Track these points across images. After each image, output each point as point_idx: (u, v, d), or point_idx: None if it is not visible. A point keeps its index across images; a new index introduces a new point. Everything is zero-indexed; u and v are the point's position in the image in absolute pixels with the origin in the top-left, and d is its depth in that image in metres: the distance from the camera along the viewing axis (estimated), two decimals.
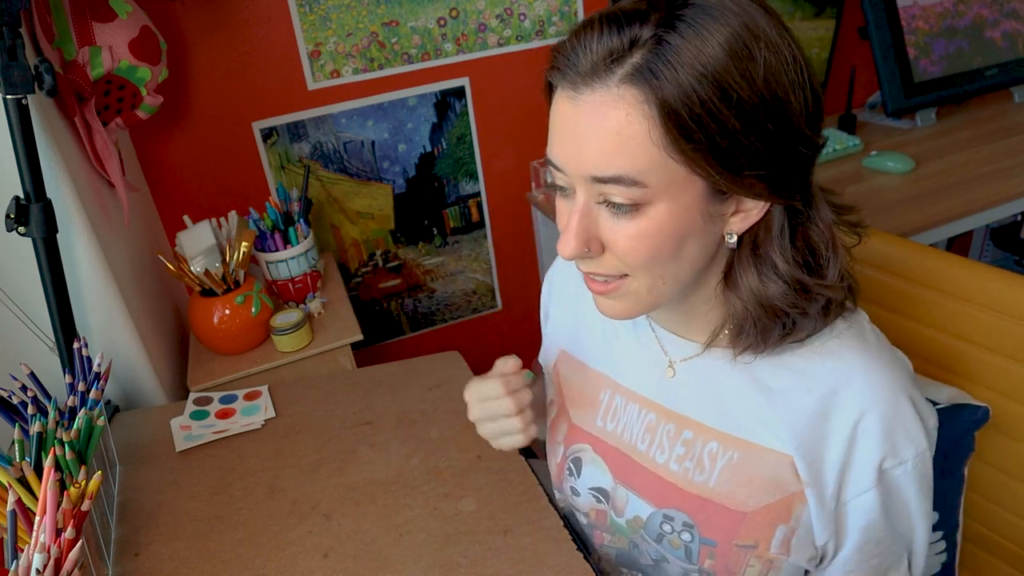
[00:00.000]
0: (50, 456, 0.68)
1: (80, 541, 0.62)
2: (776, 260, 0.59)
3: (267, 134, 1.51)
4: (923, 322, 0.94)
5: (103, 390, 0.86)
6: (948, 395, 0.90)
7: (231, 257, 1.26)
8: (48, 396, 0.86)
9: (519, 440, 0.71)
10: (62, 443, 0.74)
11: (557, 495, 0.83)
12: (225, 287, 1.25)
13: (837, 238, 0.61)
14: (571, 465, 0.78)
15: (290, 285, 1.40)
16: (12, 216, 0.92)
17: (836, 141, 1.73)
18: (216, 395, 1.11)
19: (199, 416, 1.05)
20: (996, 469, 0.94)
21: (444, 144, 1.67)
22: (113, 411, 1.08)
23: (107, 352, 1.05)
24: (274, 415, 1.03)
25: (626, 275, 0.59)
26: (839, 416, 0.62)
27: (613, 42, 0.51)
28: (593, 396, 0.77)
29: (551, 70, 0.56)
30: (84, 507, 0.66)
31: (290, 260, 1.38)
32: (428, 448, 0.93)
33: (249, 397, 1.09)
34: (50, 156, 0.97)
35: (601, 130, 0.52)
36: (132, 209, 1.27)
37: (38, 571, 0.58)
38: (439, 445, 0.93)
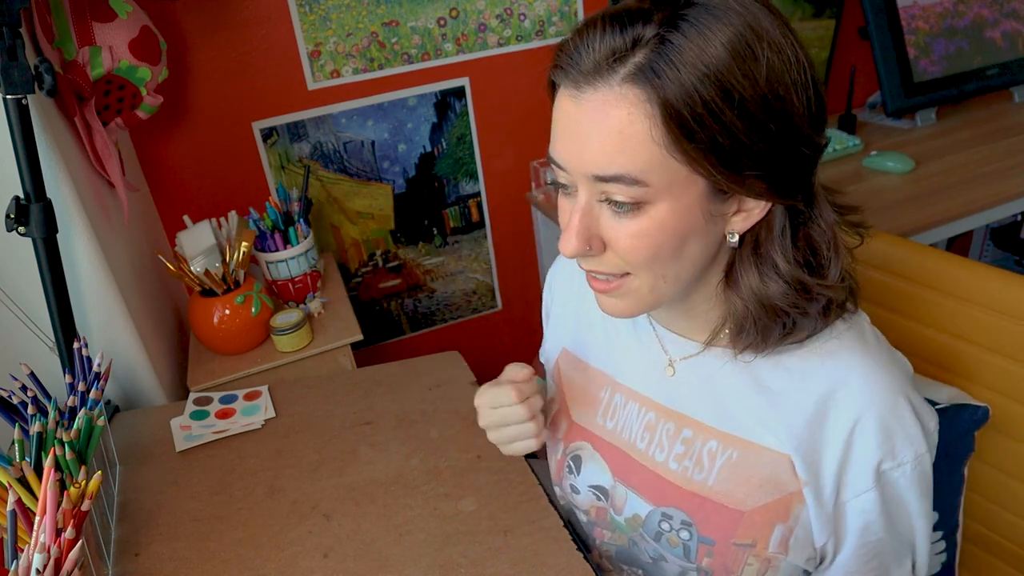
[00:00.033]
0: (50, 456, 0.68)
1: (80, 541, 0.62)
2: (777, 260, 0.59)
3: (267, 134, 1.51)
4: (923, 322, 0.94)
5: (103, 390, 0.86)
6: (948, 395, 0.90)
7: (231, 257, 1.26)
8: (48, 396, 0.86)
9: (531, 446, 0.72)
10: (62, 443, 0.74)
11: (557, 492, 0.84)
12: (225, 287, 1.25)
13: (839, 238, 0.61)
14: (571, 463, 0.78)
15: (290, 285, 1.40)
16: (12, 216, 0.92)
17: (836, 141, 1.73)
18: (216, 395, 1.11)
19: (199, 416, 1.05)
20: (996, 469, 0.94)
21: (444, 144, 1.67)
22: (113, 411, 1.08)
23: (107, 352, 1.05)
24: (274, 415, 1.03)
25: (628, 274, 0.59)
26: (837, 417, 0.62)
27: (616, 41, 0.51)
28: (593, 394, 0.77)
29: (554, 68, 0.56)
30: (84, 507, 0.66)
31: (290, 260, 1.38)
32: (428, 448, 0.93)
33: (249, 397, 1.09)
34: (50, 156, 0.97)
35: (603, 129, 0.53)
36: (132, 209, 1.27)
37: (38, 571, 0.58)
38: (439, 445, 0.93)
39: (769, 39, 0.51)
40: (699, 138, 0.51)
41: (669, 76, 0.50)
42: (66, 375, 0.87)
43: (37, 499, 0.68)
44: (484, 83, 1.63)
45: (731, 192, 0.55)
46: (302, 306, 1.39)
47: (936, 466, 0.65)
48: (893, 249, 0.96)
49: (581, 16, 1.62)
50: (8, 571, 0.59)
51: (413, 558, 0.76)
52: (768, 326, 0.61)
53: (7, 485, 0.69)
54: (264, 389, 1.10)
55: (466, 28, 1.56)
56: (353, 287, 1.75)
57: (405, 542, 0.79)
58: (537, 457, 0.97)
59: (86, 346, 0.91)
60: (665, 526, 0.69)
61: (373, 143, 1.60)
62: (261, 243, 1.37)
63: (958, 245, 2.33)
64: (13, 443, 0.74)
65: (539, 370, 0.85)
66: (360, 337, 1.31)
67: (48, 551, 0.59)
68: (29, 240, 0.94)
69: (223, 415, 1.05)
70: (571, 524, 0.83)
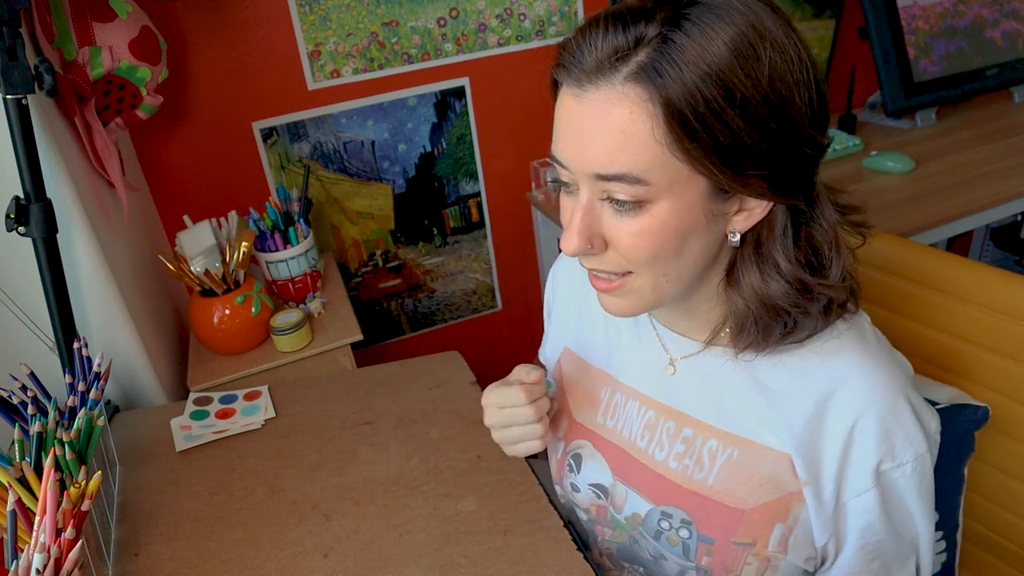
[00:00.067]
0: (50, 456, 0.68)
1: (80, 541, 0.62)
2: (778, 259, 0.59)
3: (267, 134, 1.51)
4: (923, 322, 0.94)
5: (103, 390, 0.86)
6: (948, 395, 0.90)
7: (231, 257, 1.26)
8: (48, 396, 0.86)
9: (534, 447, 0.72)
10: (62, 443, 0.74)
11: (558, 491, 0.84)
12: (225, 287, 1.25)
13: (840, 238, 0.61)
14: (571, 461, 0.78)
15: (290, 285, 1.40)
16: (12, 216, 0.92)
17: (836, 141, 1.73)
18: (216, 395, 1.11)
19: (199, 416, 1.05)
20: (996, 469, 0.94)
21: (444, 144, 1.67)
22: (113, 411, 1.08)
23: (107, 352, 1.05)
24: (274, 415, 1.03)
25: (629, 272, 0.60)
26: (837, 416, 0.62)
27: (618, 40, 0.51)
28: (594, 393, 0.77)
29: (556, 67, 0.56)
30: (84, 507, 0.66)
31: (290, 260, 1.38)
32: (428, 448, 0.93)
33: (249, 397, 1.09)
34: (50, 156, 0.97)
35: (605, 128, 0.53)
36: (132, 209, 1.27)
37: (38, 571, 0.58)
38: (439, 445, 0.93)
39: (772, 38, 0.51)
40: (701, 137, 0.51)
41: (671, 75, 0.50)
42: (66, 375, 0.87)
43: (37, 499, 0.68)
44: (484, 83, 1.63)
45: (733, 191, 0.55)
46: (302, 306, 1.39)
47: (936, 466, 0.65)
48: (893, 249, 0.96)
49: (581, 16, 1.62)
50: (8, 571, 0.59)
51: (413, 558, 0.76)
52: (769, 325, 0.61)
53: (7, 485, 0.69)
54: (264, 389, 1.10)
55: (466, 28, 1.56)
56: (353, 287, 1.75)
57: (405, 542, 0.79)
58: (537, 457, 0.97)
59: (86, 346, 0.91)
60: (664, 525, 0.69)
61: (373, 143, 1.60)
62: (261, 243, 1.37)
63: (958, 245, 2.33)
64: (13, 443, 0.74)
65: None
66: (360, 337, 1.31)
67: (48, 551, 0.59)
68: (29, 240, 0.94)
69: (223, 415, 1.05)
70: (571, 523, 0.83)
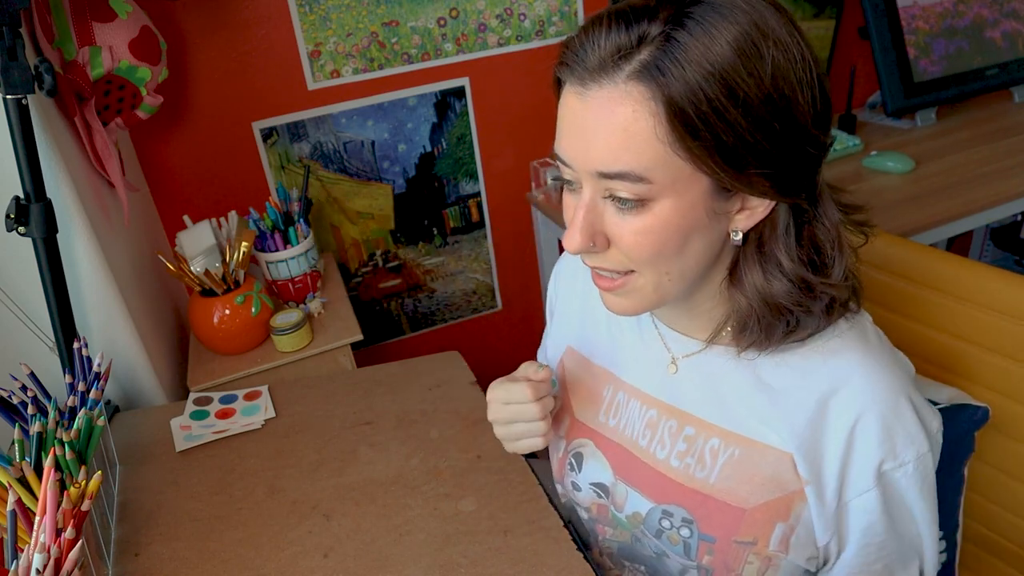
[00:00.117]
0: (50, 456, 0.68)
1: (80, 541, 0.62)
2: (781, 258, 0.59)
3: (267, 134, 1.51)
4: (923, 322, 0.94)
5: (103, 390, 0.86)
6: (948, 395, 0.90)
7: (231, 257, 1.26)
8: (48, 396, 0.86)
9: (536, 444, 0.72)
10: (62, 443, 0.74)
11: (559, 490, 0.84)
12: (225, 287, 1.25)
13: (843, 237, 0.61)
14: (572, 460, 0.78)
15: (290, 285, 1.40)
16: (12, 216, 0.92)
17: (836, 141, 1.73)
18: (216, 395, 1.11)
19: (199, 416, 1.05)
20: (996, 469, 0.94)
21: (444, 144, 1.67)
22: (113, 411, 1.08)
23: (107, 352, 1.05)
24: (274, 415, 1.03)
25: (632, 271, 0.60)
26: (838, 415, 0.62)
27: (621, 38, 0.51)
28: (596, 392, 0.77)
29: (559, 65, 0.56)
30: (84, 507, 0.66)
31: (290, 260, 1.38)
32: (428, 448, 0.93)
33: (249, 397, 1.09)
34: (50, 156, 0.97)
35: (608, 126, 0.53)
36: (132, 209, 1.27)
37: (38, 571, 0.58)
38: (439, 445, 0.93)
39: (775, 37, 0.51)
40: (703, 136, 0.51)
41: (674, 74, 0.50)
42: (66, 375, 0.87)
43: (37, 499, 0.68)
44: (484, 83, 1.63)
45: (735, 190, 0.55)
46: (302, 306, 1.39)
47: (936, 466, 0.65)
48: (893, 249, 0.96)
49: (581, 16, 1.62)
50: (8, 571, 0.59)
51: (413, 558, 0.76)
52: (772, 324, 0.61)
53: (7, 485, 0.69)
54: (264, 389, 1.10)
55: (466, 28, 1.56)
56: (353, 287, 1.75)
57: (405, 542, 0.79)
58: (537, 457, 0.97)
59: (86, 346, 0.91)
60: (666, 523, 0.69)
61: (373, 143, 1.60)
62: (261, 243, 1.37)
63: (958, 245, 2.33)
64: (13, 443, 0.74)
65: None
66: (360, 337, 1.31)
67: (48, 551, 0.59)
68: (29, 240, 0.94)
69: (223, 415, 1.05)
70: (571, 523, 0.83)
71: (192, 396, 1.11)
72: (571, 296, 0.84)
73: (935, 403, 0.88)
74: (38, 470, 0.72)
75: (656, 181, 0.53)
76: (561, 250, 1.76)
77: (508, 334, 1.98)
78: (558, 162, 0.59)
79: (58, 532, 0.62)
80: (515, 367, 0.73)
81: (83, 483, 0.69)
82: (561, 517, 0.80)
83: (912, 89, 1.75)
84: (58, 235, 0.96)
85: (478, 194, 1.76)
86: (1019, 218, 2.17)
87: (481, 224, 1.81)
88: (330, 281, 1.51)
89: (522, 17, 1.60)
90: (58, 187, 0.98)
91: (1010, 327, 0.85)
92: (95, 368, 0.88)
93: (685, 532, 0.68)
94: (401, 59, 1.54)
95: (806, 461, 0.63)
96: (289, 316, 1.28)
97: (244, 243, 1.27)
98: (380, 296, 1.79)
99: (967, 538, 0.98)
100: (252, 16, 1.40)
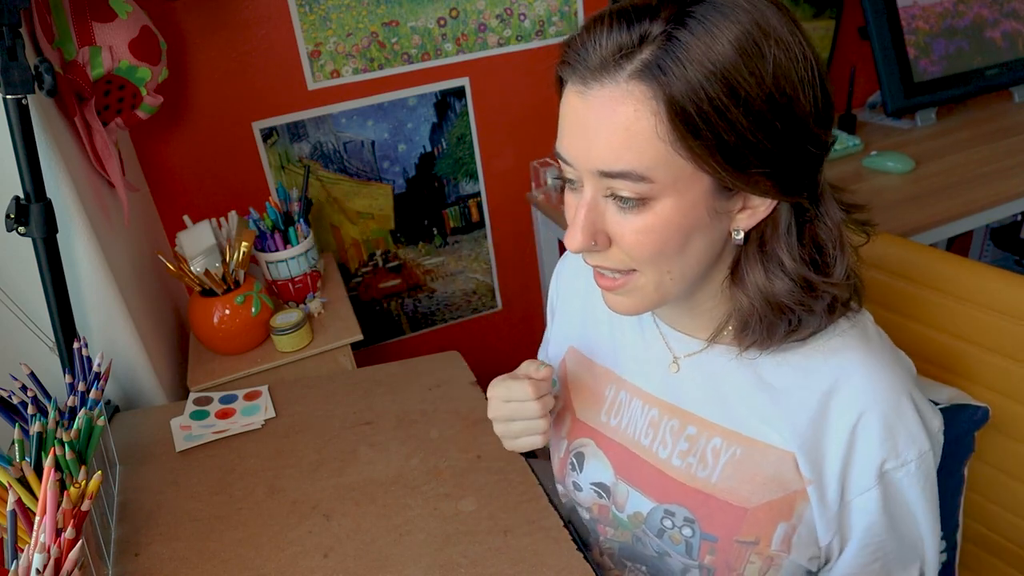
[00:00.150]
0: (50, 456, 0.68)
1: (80, 541, 0.62)
2: (783, 257, 0.59)
3: (267, 134, 1.51)
4: (923, 322, 0.94)
5: (103, 390, 0.86)
6: (948, 395, 0.90)
7: (231, 257, 1.26)
8: (48, 396, 0.86)
9: (536, 442, 0.72)
10: (62, 443, 0.74)
11: (560, 490, 0.84)
12: (225, 287, 1.25)
13: (845, 236, 0.61)
14: (573, 460, 0.78)
15: (290, 285, 1.40)
16: (12, 216, 0.92)
17: (836, 141, 1.73)
18: (216, 395, 1.11)
19: (199, 416, 1.05)
20: (996, 469, 0.94)
21: (444, 144, 1.67)
22: (113, 411, 1.08)
23: (107, 352, 1.05)
24: (274, 415, 1.03)
25: (633, 270, 0.60)
26: (840, 414, 0.62)
27: (623, 38, 0.51)
28: (598, 391, 0.77)
29: (561, 64, 0.56)
30: (84, 507, 0.66)
31: (290, 260, 1.38)
32: (428, 448, 0.93)
33: (249, 397, 1.09)
34: (50, 156, 0.97)
35: (610, 125, 0.53)
36: (132, 209, 1.27)
37: (38, 571, 0.58)
38: (439, 445, 0.93)
39: (777, 36, 0.51)
40: (704, 135, 0.51)
41: (675, 73, 0.50)
42: (66, 375, 0.87)
43: (37, 499, 0.68)
44: (484, 83, 1.63)
45: (736, 189, 0.55)
46: (302, 306, 1.39)
47: (937, 465, 0.65)
48: (893, 249, 0.96)
49: (581, 16, 1.62)
50: (8, 571, 0.59)
51: (413, 558, 0.76)
52: (773, 323, 0.61)
53: (7, 485, 0.69)
54: (264, 389, 1.10)
55: (466, 28, 1.56)
56: (353, 287, 1.75)
57: (405, 542, 0.79)
58: (537, 456, 0.97)
59: (86, 346, 0.91)
60: (668, 523, 0.69)
61: (373, 143, 1.60)
62: (261, 243, 1.37)
63: (958, 245, 2.33)
64: (13, 443, 0.74)
65: None
66: (360, 337, 1.31)
67: (48, 551, 0.59)
68: (29, 240, 0.94)
69: (223, 415, 1.05)
70: (571, 523, 0.83)
71: (192, 396, 1.11)
72: (573, 296, 0.84)
73: (935, 403, 0.88)
74: (38, 470, 0.72)
75: (657, 180, 0.53)
76: (561, 250, 1.76)
77: (508, 334, 1.98)
78: (560, 161, 0.59)
79: (58, 532, 0.62)
80: (515, 367, 0.73)
81: (83, 483, 0.69)
82: (561, 517, 0.80)
83: (912, 89, 1.75)
84: (58, 235, 0.96)
85: (478, 194, 1.76)
86: (1019, 218, 2.17)
87: (481, 224, 1.81)
88: (330, 281, 1.51)
89: (522, 17, 1.60)
90: (58, 187, 0.98)
91: (1010, 327, 0.85)
92: (95, 368, 0.88)
93: (687, 532, 0.68)
94: (401, 59, 1.54)
95: (808, 460, 0.63)
96: (289, 316, 1.28)
97: (244, 243, 1.27)
98: (380, 296, 1.79)
99: (967, 538, 0.98)
100: (252, 16, 1.40)
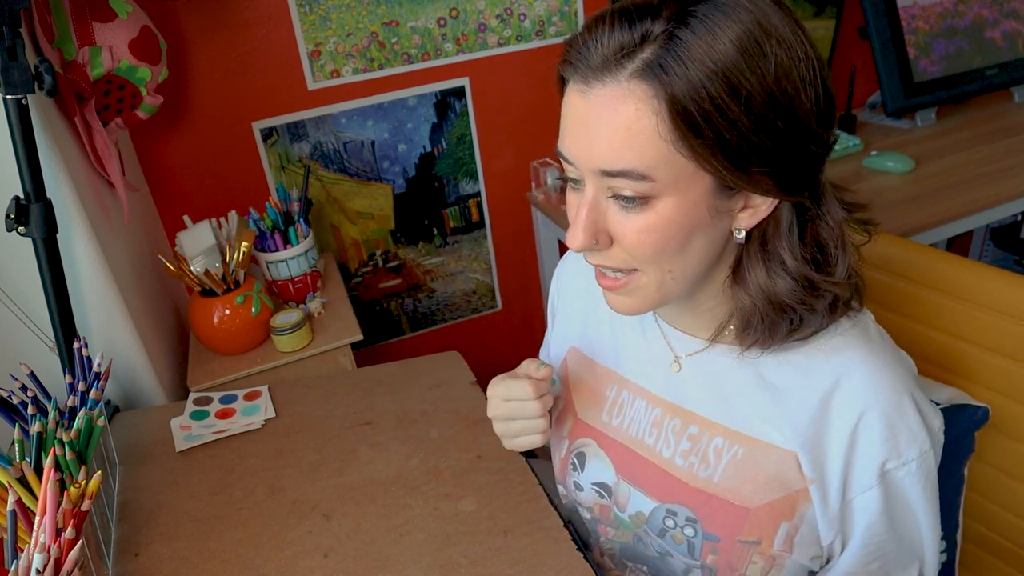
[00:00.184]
0: (50, 456, 0.68)
1: (80, 541, 0.62)
2: (784, 256, 0.59)
3: (267, 134, 1.51)
4: (923, 322, 0.94)
5: (103, 390, 0.86)
6: (948, 395, 0.90)
7: (231, 257, 1.26)
8: (48, 396, 0.86)
9: (535, 442, 0.72)
10: (62, 443, 0.74)
11: (560, 490, 0.84)
12: (225, 287, 1.25)
13: (846, 235, 0.61)
14: (575, 460, 0.78)
15: (290, 285, 1.40)
16: (12, 216, 0.92)
17: (837, 140, 1.73)
18: (216, 395, 1.11)
19: (199, 416, 1.05)
20: (996, 469, 0.94)
21: (444, 144, 1.67)
22: (113, 411, 1.08)
23: (107, 352, 1.05)
24: (274, 415, 1.03)
25: (635, 270, 0.60)
26: (841, 413, 0.62)
27: (624, 37, 0.51)
28: (600, 391, 0.77)
29: (563, 63, 0.56)
30: (84, 507, 0.66)
31: (290, 260, 1.38)
32: (428, 448, 0.93)
33: (249, 397, 1.09)
34: (50, 156, 0.97)
35: (611, 124, 0.53)
36: (132, 209, 1.27)
37: (38, 571, 0.58)
38: (439, 445, 0.93)
39: (778, 35, 0.51)
40: (706, 135, 0.51)
41: (677, 72, 0.50)
42: (66, 375, 0.87)
43: (37, 499, 0.68)
44: (484, 83, 1.63)
45: (738, 188, 0.55)
46: (302, 306, 1.39)
47: (938, 464, 0.65)
48: (893, 249, 0.96)
49: (581, 16, 1.62)
50: (8, 571, 0.59)
51: (413, 558, 0.76)
52: (775, 322, 0.61)
53: (7, 485, 0.69)
54: (264, 389, 1.10)
55: (466, 28, 1.56)
56: (353, 287, 1.75)
57: (405, 542, 0.79)
58: (537, 456, 0.97)
59: (86, 346, 0.91)
60: (669, 523, 0.69)
61: (373, 143, 1.60)
62: (261, 243, 1.37)
63: (958, 245, 2.33)
64: (13, 443, 0.74)
65: None
66: (360, 337, 1.31)
67: (48, 551, 0.59)
68: (29, 240, 0.94)
69: (223, 415, 1.05)
70: (571, 523, 0.83)
71: (192, 396, 1.11)
72: (574, 296, 0.84)
73: (935, 403, 0.88)
74: (38, 470, 0.72)
75: (659, 179, 0.53)
76: (562, 250, 1.76)
77: (508, 334, 1.98)
78: (561, 160, 0.59)
79: (58, 532, 0.62)
80: (515, 367, 0.73)
81: (83, 483, 0.69)
82: (561, 517, 0.80)
83: (912, 89, 1.75)
84: (58, 235, 0.96)
85: (478, 194, 1.76)
86: (1019, 218, 2.17)
87: (481, 224, 1.81)
88: (330, 281, 1.51)
89: (522, 17, 1.60)
90: (58, 187, 0.98)
91: (1010, 327, 0.85)
92: (95, 368, 0.88)
93: (689, 531, 0.68)
94: (401, 59, 1.54)
95: (810, 460, 0.63)
96: (289, 316, 1.28)
97: (244, 243, 1.27)
98: (380, 296, 1.79)
99: (967, 538, 0.98)
100: (252, 16, 1.40)
